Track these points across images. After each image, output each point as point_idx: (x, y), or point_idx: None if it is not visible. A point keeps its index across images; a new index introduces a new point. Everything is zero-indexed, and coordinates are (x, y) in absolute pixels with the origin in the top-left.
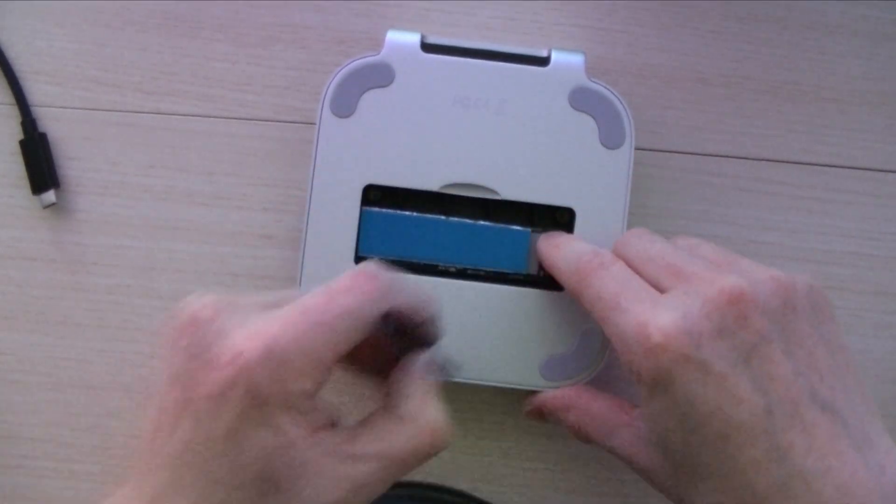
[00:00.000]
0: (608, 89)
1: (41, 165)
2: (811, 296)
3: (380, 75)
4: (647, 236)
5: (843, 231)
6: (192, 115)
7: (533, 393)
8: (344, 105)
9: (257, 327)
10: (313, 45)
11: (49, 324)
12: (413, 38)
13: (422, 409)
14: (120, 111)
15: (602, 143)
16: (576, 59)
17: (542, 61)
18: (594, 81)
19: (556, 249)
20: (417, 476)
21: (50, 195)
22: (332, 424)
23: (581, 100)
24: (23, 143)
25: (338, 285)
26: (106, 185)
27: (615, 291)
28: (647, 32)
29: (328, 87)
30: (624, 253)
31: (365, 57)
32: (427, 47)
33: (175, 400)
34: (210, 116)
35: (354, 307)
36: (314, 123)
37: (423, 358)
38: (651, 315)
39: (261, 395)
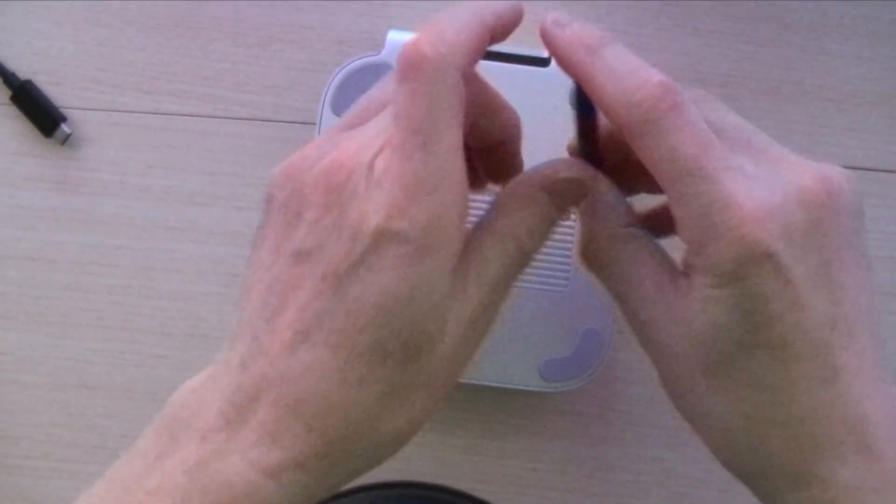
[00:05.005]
0: None
1: (40, 107)
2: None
3: (380, 75)
4: (717, 102)
5: None
6: (192, 115)
7: None
8: (344, 105)
9: (385, 177)
10: (313, 45)
11: (49, 324)
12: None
13: (517, 218)
14: (120, 111)
15: None
16: None
17: (543, 62)
18: None
19: (593, 55)
20: (417, 476)
21: (63, 129)
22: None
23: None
24: (14, 97)
25: (398, 102)
26: (106, 185)
27: (697, 149)
28: (647, 32)
29: (328, 87)
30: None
31: (366, 57)
32: None
33: (299, 276)
34: (210, 116)
35: (433, 98)
36: (314, 123)
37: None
38: (745, 191)
39: (418, 245)
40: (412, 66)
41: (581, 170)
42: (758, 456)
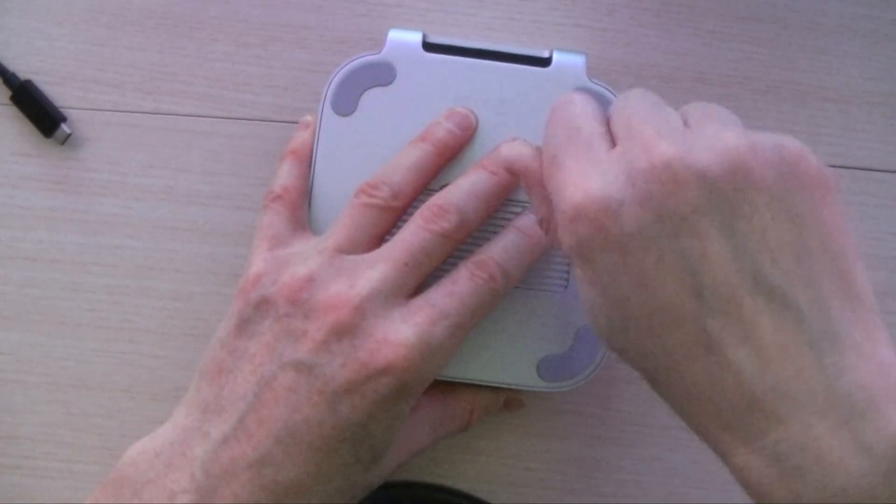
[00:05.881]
0: (609, 91)
1: (40, 107)
2: (782, 163)
3: (381, 74)
4: (649, 95)
5: None
6: (192, 115)
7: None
8: (345, 103)
9: (406, 329)
10: (313, 45)
11: (49, 324)
12: (415, 38)
13: (477, 400)
14: (120, 111)
15: None
16: (577, 60)
17: (544, 62)
18: (595, 82)
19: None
20: (417, 476)
21: (63, 129)
22: None
23: None
24: (14, 97)
25: (463, 286)
26: (106, 185)
27: (561, 141)
28: (647, 32)
29: (329, 85)
30: (614, 104)
31: (367, 55)
32: (429, 47)
33: (297, 382)
34: (210, 116)
35: (482, 305)
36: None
37: None
38: (580, 177)
39: (406, 390)
40: (492, 278)
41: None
42: None
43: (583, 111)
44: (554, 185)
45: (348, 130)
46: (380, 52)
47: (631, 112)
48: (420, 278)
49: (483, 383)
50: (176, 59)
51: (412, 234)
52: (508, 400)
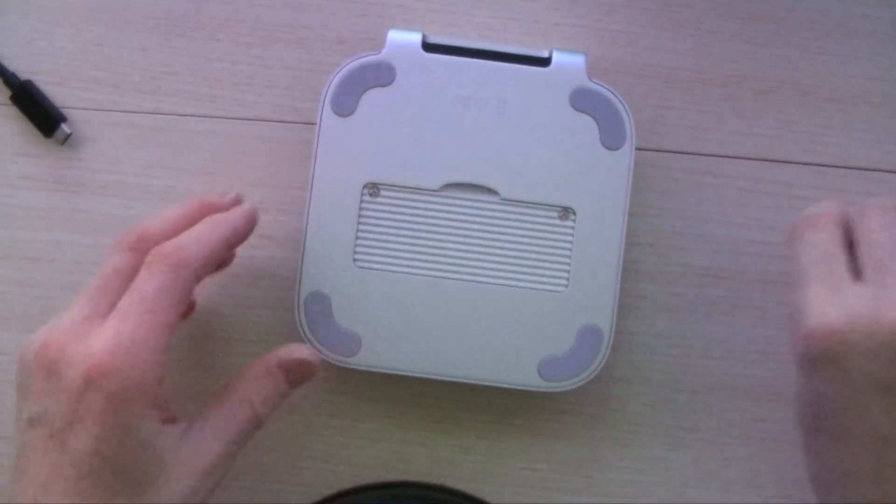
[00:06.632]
0: (609, 90)
1: (40, 107)
2: None
3: (381, 74)
4: (889, 213)
5: None
6: (192, 115)
7: None
8: (345, 104)
9: (94, 340)
10: (313, 45)
11: None
12: (414, 38)
13: (252, 387)
14: (120, 111)
15: (602, 144)
16: (577, 60)
17: (544, 62)
18: (595, 82)
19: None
20: (417, 476)
21: (63, 129)
22: (174, 419)
23: (582, 101)
24: (14, 97)
25: (141, 281)
26: (106, 185)
27: (811, 260)
28: (647, 32)
29: (329, 86)
30: (858, 218)
31: (366, 56)
32: (428, 47)
33: (34, 438)
34: (210, 116)
35: (167, 289)
36: (314, 123)
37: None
38: (821, 304)
39: (118, 396)
40: (170, 262)
41: (311, 353)
42: None
43: (834, 238)
44: (798, 299)
45: (348, 131)
46: (380, 53)
47: (883, 251)
48: (115, 295)
49: (484, 383)
50: (176, 59)
51: (102, 263)
52: (290, 370)
